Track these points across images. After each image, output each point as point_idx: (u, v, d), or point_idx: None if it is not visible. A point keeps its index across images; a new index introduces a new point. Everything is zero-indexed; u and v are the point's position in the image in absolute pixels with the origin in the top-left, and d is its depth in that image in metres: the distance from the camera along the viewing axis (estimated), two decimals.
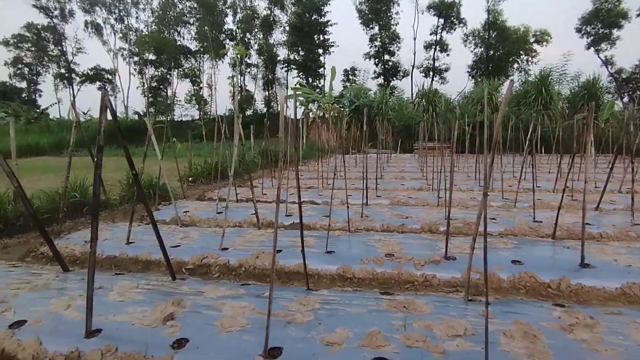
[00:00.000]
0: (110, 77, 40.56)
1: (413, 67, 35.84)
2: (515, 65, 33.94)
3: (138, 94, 42.31)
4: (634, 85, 33.41)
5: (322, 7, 34.68)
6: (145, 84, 39.75)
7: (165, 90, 41.41)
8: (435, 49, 34.55)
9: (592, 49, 33.99)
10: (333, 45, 36.03)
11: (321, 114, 20.15)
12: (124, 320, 2.41)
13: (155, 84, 40.54)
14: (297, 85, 27.39)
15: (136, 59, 40.04)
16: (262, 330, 2.23)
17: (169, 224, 5.29)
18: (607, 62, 34.37)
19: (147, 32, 39.35)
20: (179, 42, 39.95)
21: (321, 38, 36.04)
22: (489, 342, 2.00)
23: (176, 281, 3.09)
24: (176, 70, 40.24)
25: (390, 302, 2.61)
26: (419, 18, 34.63)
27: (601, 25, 32.91)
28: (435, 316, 2.39)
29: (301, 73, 36.83)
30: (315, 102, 20.92)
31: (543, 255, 3.66)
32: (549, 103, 16.96)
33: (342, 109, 19.51)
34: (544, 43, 34.02)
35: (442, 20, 33.72)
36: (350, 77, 36.94)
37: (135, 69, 40.42)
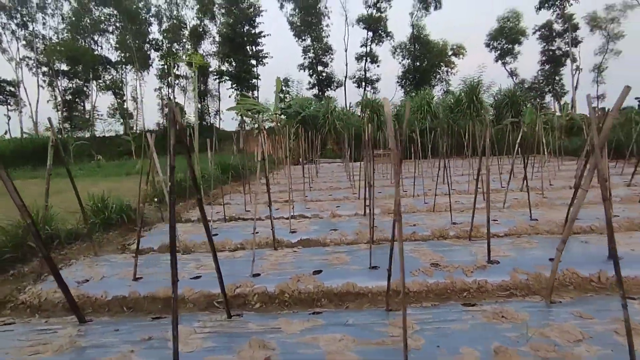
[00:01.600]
0: (12, 89, 35.69)
1: (346, 77, 37.00)
2: (437, 77, 36.80)
3: (49, 108, 37.60)
4: (534, 93, 38.04)
5: (254, 18, 34.37)
6: (58, 97, 35.72)
7: (82, 104, 37.62)
8: (366, 61, 36.09)
9: (500, 61, 38.15)
10: (267, 57, 35.81)
11: (265, 125, 19.79)
12: None
13: (70, 97, 36.64)
14: (239, 97, 26.66)
15: (45, 69, 35.85)
16: None
17: (162, 252, 4.70)
18: (512, 74, 38.81)
19: (57, 40, 35.47)
20: (97, 52, 36.63)
21: (254, 49, 35.61)
22: (613, 344, 2.03)
23: (233, 319, 2.70)
24: (95, 82, 36.80)
25: (483, 313, 2.54)
26: (349, 31, 35.96)
27: (505, 41, 37.13)
28: (540, 322, 2.38)
29: (234, 84, 35.96)
30: (259, 113, 20.50)
31: (571, 251, 3.88)
32: (479, 110, 18.59)
33: (288, 120, 19.35)
34: (460, 56, 37.39)
35: (371, 34, 35.38)
36: (283, 88, 36.95)
37: (44, 81, 36.15)
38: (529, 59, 51.25)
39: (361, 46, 35.97)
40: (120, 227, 5.94)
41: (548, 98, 37.11)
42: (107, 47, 37.58)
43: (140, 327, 2.61)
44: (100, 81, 36.74)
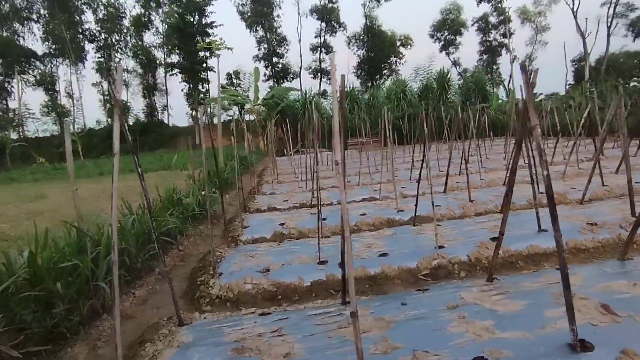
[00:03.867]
0: None
1: (301, 69, 36.91)
2: (389, 67, 38.13)
3: None
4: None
5: (205, 8, 32.77)
6: None
7: (4, 102, 33.15)
8: (320, 51, 36.27)
9: (444, 52, 40.50)
10: (220, 48, 34.36)
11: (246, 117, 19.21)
12: None
13: None
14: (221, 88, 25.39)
15: None
16: None
17: (296, 238, 4.54)
18: (455, 63, 41.43)
19: None
20: (19, 43, 32.42)
21: (205, 40, 34.00)
22: None
23: (494, 282, 2.79)
24: (20, 76, 32.60)
25: None
26: (302, 22, 35.84)
27: (448, 32, 39.46)
28: None
29: (186, 78, 34.18)
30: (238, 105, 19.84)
31: None
32: (448, 96, 19.78)
33: (267, 111, 18.95)
34: (408, 46, 39.04)
35: (324, 24, 35.58)
36: (235, 80, 36.01)
37: None
38: (469, 49, 55.05)
39: (315, 37, 36.06)
40: (201, 221, 5.56)
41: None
42: (31, 38, 33.47)
43: (415, 299, 2.60)
44: (25, 76, 32.60)
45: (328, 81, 37.32)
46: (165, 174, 12.78)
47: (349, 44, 36.05)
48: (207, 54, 33.95)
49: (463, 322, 2.23)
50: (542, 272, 2.95)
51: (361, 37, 35.41)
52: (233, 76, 37.91)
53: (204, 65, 34.10)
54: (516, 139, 2.69)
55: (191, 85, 34.58)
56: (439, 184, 7.21)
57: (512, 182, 2.58)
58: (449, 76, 20.70)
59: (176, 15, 32.32)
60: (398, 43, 38.04)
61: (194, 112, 35.10)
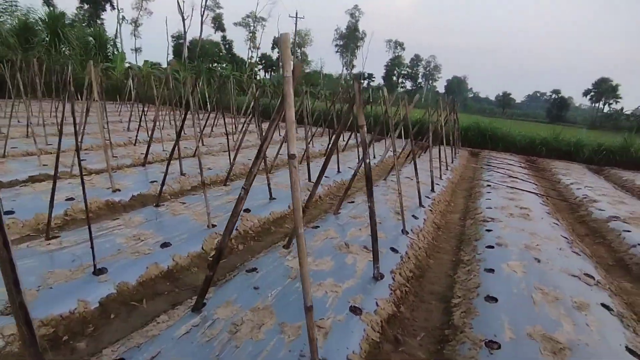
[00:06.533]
0: None
1: None
2: None
3: None
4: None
5: None
6: None
7: None
8: None
9: None
10: None
11: None
12: None
13: None
14: None
15: None
16: None
17: None
18: (48, 4, 34.54)
19: None
20: None
21: None
22: None
23: None
24: None
25: None
26: None
27: None
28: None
29: None
30: None
31: None
32: (62, 45, 16.56)
33: None
34: None
35: None
36: None
37: None
38: None
39: None
40: None
41: None
42: None
43: (256, 280, 2.73)
44: None
45: None
46: None
47: None
48: None
49: (317, 285, 2.65)
50: (309, 232, 3.75)
51: None
52: None
53: None
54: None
55: None
56: (124, 156, 6.52)
57: (328, 162, 3.16)
58: (63, 20, 17.14)
59: None
60: None
61: None
